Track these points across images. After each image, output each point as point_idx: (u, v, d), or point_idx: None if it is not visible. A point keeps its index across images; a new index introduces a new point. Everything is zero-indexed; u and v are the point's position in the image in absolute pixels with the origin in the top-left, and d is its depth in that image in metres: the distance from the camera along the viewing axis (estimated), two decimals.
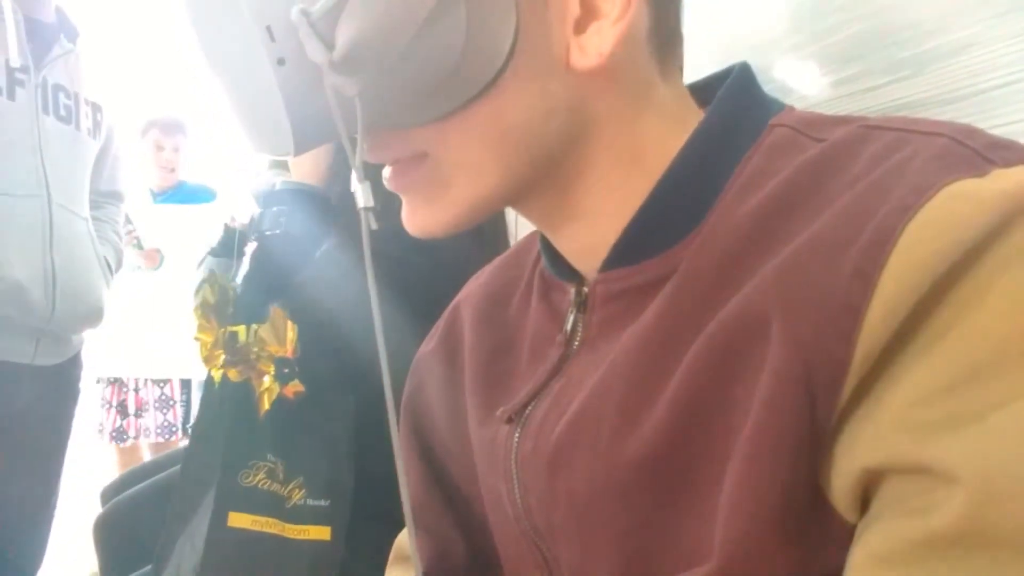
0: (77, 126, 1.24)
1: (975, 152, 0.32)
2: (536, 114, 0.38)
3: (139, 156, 2.60)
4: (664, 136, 0.40)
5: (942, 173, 0.30)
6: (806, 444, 0.31)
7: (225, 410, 1.00)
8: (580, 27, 0.37)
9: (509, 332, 0.50)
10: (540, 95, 0.38)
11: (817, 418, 0.31)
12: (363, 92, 0.35)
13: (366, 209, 0.37)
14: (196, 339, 1.01)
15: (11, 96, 1.12)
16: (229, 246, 1.96)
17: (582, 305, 0.44)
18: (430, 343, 0.57)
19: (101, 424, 2.52)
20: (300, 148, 0.38)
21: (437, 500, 0.55)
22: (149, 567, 1.22)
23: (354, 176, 0.37)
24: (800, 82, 0.76)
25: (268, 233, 1.08)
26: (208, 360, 1.00)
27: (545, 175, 0.41)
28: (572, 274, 0.45)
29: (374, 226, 0.37)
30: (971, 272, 0.29)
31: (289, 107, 0.35)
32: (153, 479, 1.66)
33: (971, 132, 0.33)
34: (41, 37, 1.19)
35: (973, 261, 0.29)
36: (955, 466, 0.27)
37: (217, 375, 1.00)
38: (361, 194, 0.36)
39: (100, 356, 2.44)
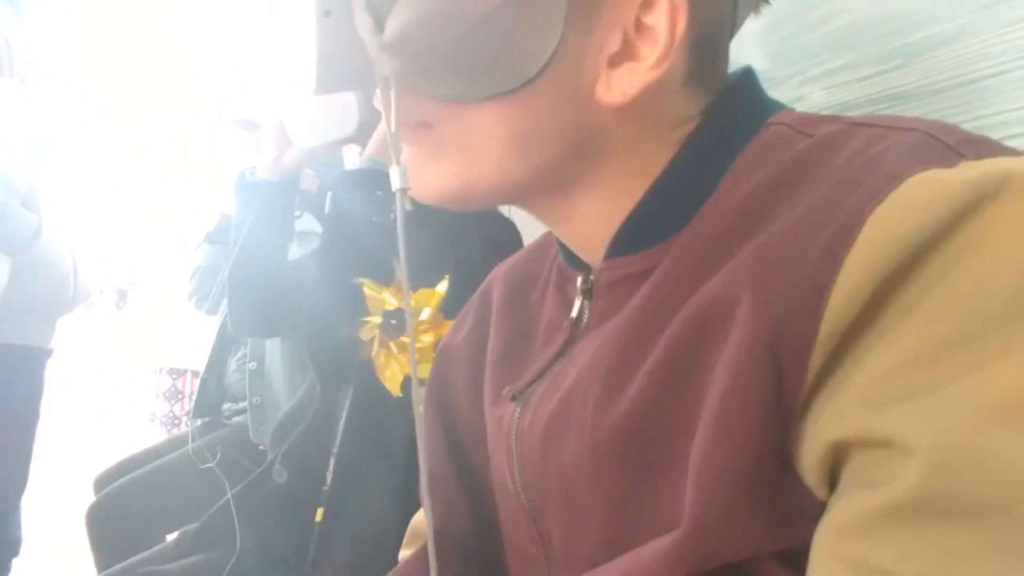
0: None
1: (946, 146, 0.32)
2: (548, 127, 0.39)
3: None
4: (676, 151, 0.41)
5: (912, 164, 0.31)
6: (774, 415, 0.32)
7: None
8: (614, 63, 0.38)
9: (528, 321, 0.52)
10: (558, 112, 0.39)
11: (785, 391, 0.32)
12: (400, 71, 0.37)
13: (402, 190, 0.38)
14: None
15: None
16: (224, 233, 1.96)
17: (588, 293, 0.45)
18: (461, 331, 0.59)
19: (153, 413, 2.55)
20: (320, 89, 0.40)
21: (453, 474, 0.57)
22: (146, 553, 1.23)
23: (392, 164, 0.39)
24: (793, 71, 0.76)
25: (375, 220, 1.06)
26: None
27: (542, 181, 0.41)
28: (582, 265, 0.47)
29: (408, 207, 0.39)
30: (933, 255, 0.29)
31: (321, 54, 0.38)
32: (147, 467, 1.67)
33: (945, 128, 0.34)
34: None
35: (935, 245, 0.29)
36: (911, 438, 0.28)
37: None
38: (397, 176, 0.38)
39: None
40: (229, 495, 1.10)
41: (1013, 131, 0.54)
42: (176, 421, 2.52)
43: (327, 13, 0.37)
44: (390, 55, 0.36)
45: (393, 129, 0.38)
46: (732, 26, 0.42)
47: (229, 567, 1.03)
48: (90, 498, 1.65)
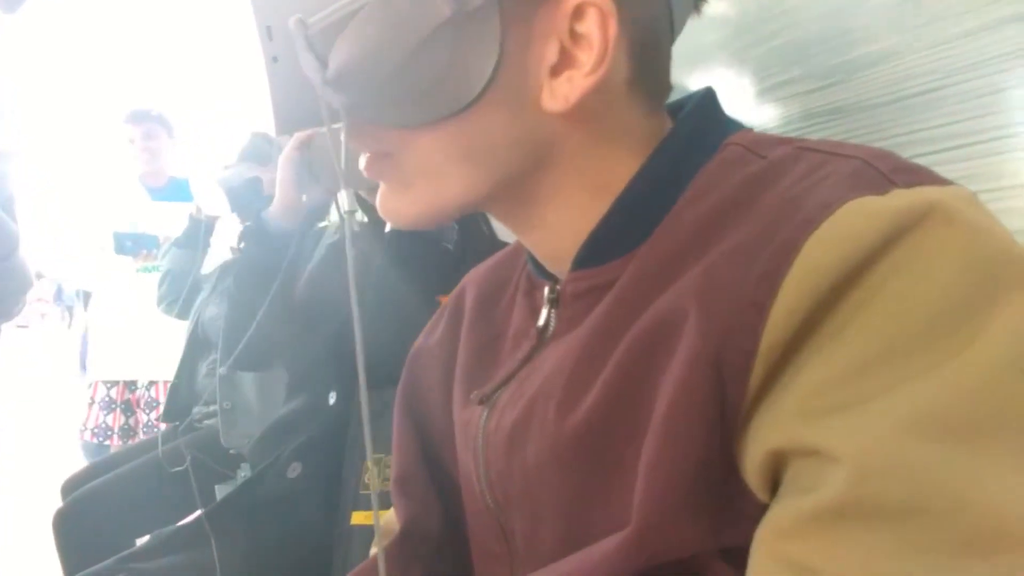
0: None
1: (881, 174, 0.35)
2: (502, 141, 0.41)
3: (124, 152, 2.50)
4: (635, 164, 0.43)
5: (847, 191, 0.34)
6: (718, 425, 0.34)
7: None
8: (555, 72, 0.40)
9: (497, 327, 0.54)
10: (509, 125, 0.40)
11: (728, 402, 0.34)
12: (348, 104, 0.39)
13: (349, 213, 0.40)
14: None
15: None
16: (194, 237, 1.95)
17: (555, 302, 0.47)
18: (434, 333, 0.60)
19: (85, 423, 2.48)
20: (281, 130, 0.42)
21: (424, 473, 0.58)
22: (112, 559, 1.22)
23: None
24: (745, 84, 0.78)
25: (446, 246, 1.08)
26: None
27: (507, 192, 0.43)
28: (549, 275, 0.49)
29: (356, 228, 0.41)
30: (863, 278, 0.32)
31: (275, 97, 0.40)
32: (114, 472, 1.65)
33: (882, 156, 0.37)
34: None
35: (865, 268, 0.32)
36: (838, 447, 0.30)
37: None
38: (344, 199, 0.41)
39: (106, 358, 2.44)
40: (234, 489, 1.11)
41: (940, 146, 0.57)
42: (132, 432, 2.47)
43: (275, 59, 0.39)
44: (335, 89, 0.38)
45: (342, 160, 0.40)
46: (671, 28, 0.43)
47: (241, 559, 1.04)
48: (57, 503, 1.63)
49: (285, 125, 0.42)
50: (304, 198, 1.21)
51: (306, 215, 1.23)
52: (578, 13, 0.39)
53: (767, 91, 0.76)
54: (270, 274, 1.20)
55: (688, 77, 0.84)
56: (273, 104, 0.40)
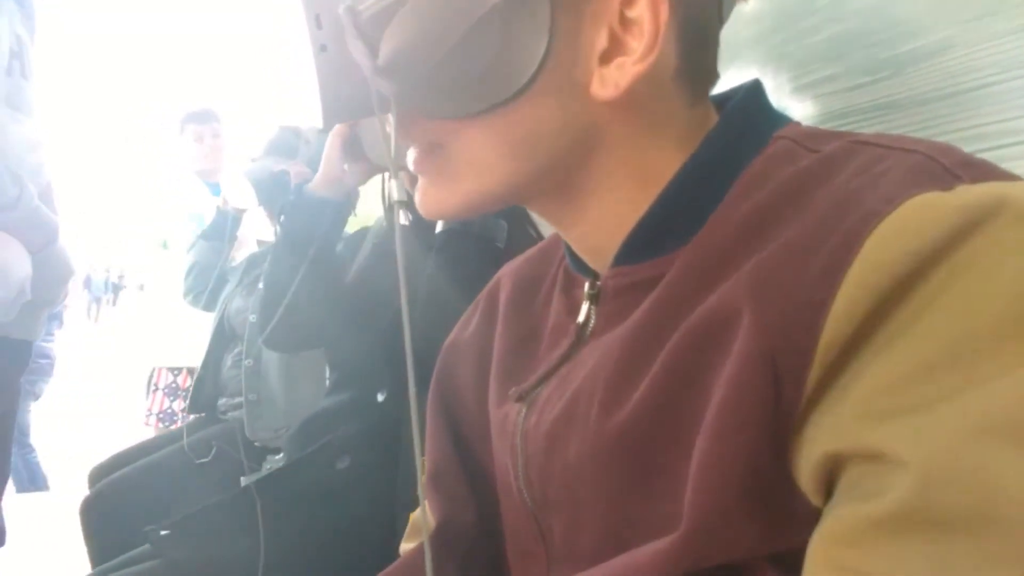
0: None
1: (945, 168, 0.34)
2: (551, 129, 0.40)
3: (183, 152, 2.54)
4: (680, 155, 0.42)
5: (910, 186, 0.33)
6: (771, 425, 0.33)
7: None
8: (605, 59, 0.39)
9: (533, 322, 0.53)
10: (558, 113, 0.40)
11: (783, 402, 0.33)
12: (399, 92, 0.39)
13: (399, 203, 0.40)
14: None
15: None
16: (221, 229, 1.96)
17: (595, 298, 0.46)
18: (468, 327, 0.60)
19: (150, 409, 2.55)
20: (328, 122, 0.41)
21: (457, 469, 0.58)
22: (143, 547, 1.23)
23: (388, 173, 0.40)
24: (783, 80, 0.77)
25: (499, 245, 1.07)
26: None
27: (553, 182, 0.43)
28: (589, 270, 0.48)
29: (404, 221, 0.40)
30: (928, 276, 0.30)
31: (323, 87, 0.39)
32: (141, 462, 1.67)
33: (945, 150, 0.35)
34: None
35: (930, 267, 0.30)
36: (904, 451, 0.29)
37: None
38: (395, 188, 0.40)
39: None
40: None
41: (993, 143, 0.55)
42: (174, 417, 2.53)
43: (323, 48, 0.39)
44: (386, 78, 0.38)
45: (392, 149, 0.39)
46: (720, 15, 0.43)
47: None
48: (84, 491, 1.65)
49: (332, 116, 0.41)
50: (346, 167, 1.21)
51: (347, 192, 1.23)
52: None
53: (806, 87, 0.74)
54: (307, 248, 1.20)
55: (724, 73, 0.82)
56: (321, 94, 0.39)
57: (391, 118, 0.42)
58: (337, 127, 1.21)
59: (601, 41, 0.39)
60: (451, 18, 0.37)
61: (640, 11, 0.38)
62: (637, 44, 0.38)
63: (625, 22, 0.38)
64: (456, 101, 0.40)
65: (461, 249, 1.07)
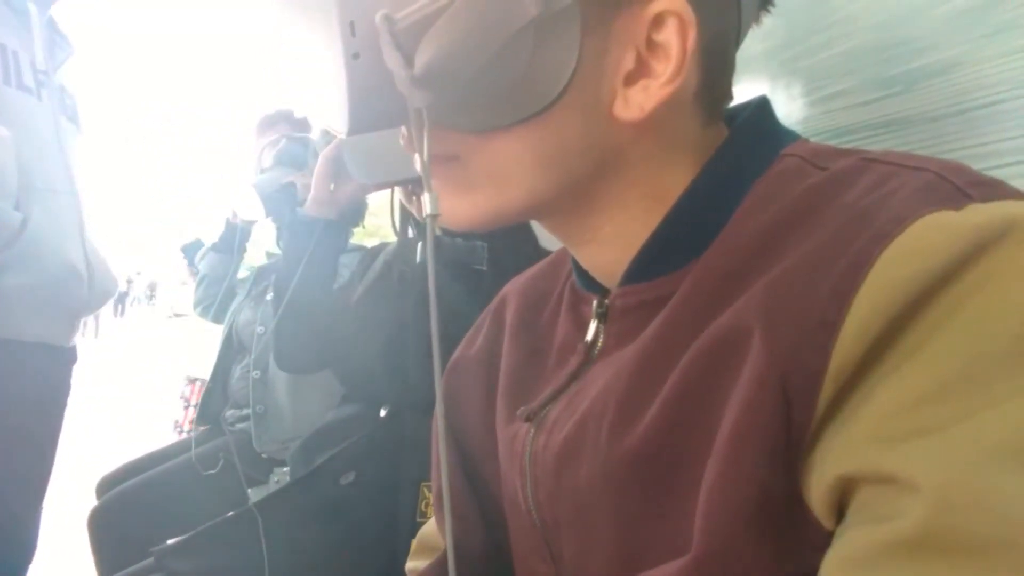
0: (79, 126, 1.25)
1: (956, 187, 0.33)
2: (573, 147, 0.40)
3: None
4: (692, 173, 0.43)
5: (921, 205, 0.32)
6: (783, 448, 0.33)
7: None
8: (630, 80, 0.39)
9: (540, 340, 0.53)
10: (581, 131, 0.40)
11: (794, 424, 0.33)
12: (431, 103, 0.38)
13: (432, 216, 0.39)
14: None
15: (39, 97, 1.12)
16: (230, 241, 1.97)
17: (603, 316, 0.46)
18: (473, 344, 0.60)
19: (182, 424, 2.55)
20: (354, 130, 0.41)
21: (465, 489, 0.58)
22: (149, 560, 1.23)
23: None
24: (794, 95, 0.77)
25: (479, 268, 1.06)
26: None
27: (569, 200, 0.43)
28: (597, 288, 0.48)
29: (438, 232, 0.40)
30: (941, 296, 0.30)
31: (352, 95, 0.39)
32: (150, 472, 1.67)
33: (956, 169, 0.35)
34: (50, 39, 1.20)
35: (941, 287, 0.30)
36: (917, 475, 0.29)
37: None
38: (428, 202, 0.39)
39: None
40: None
41: (1005, 160, 0.55)
42: (179, 429, 2.53)
43: (356, 56, 0.38)
44: (421, 88, 0.37)
45: (426, 159, 0.38)
46: (737, 37, 0.43)
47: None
48: (92, 502, 1.65)
49: (359, 124, 0.40)
50: (332, 187, 1.23)
51: (339, 212, 1.25)
52: (658, 22, 0.38)
53: (817, 102, 0.74)
54: (318, 264, 1.22)
55: (735, 87, 0.82)
56: (350, 102, 0.39)
57: (404, 130, 0.42)
58: (327, 150, 1.23)
59: (627, 62, 0.39)
60: (488, 30, 0.37)
61: (668, 35, 0.38)
62: (663, 68, 0.38)
63: (652, 45, 0.38)
64: (486, 113, 0.39)
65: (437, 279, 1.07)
